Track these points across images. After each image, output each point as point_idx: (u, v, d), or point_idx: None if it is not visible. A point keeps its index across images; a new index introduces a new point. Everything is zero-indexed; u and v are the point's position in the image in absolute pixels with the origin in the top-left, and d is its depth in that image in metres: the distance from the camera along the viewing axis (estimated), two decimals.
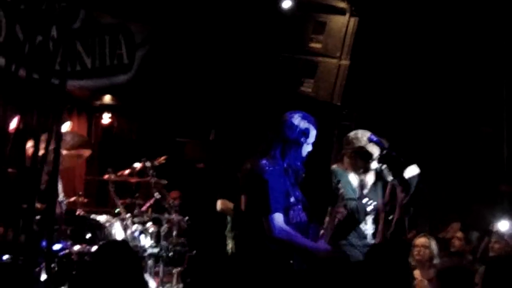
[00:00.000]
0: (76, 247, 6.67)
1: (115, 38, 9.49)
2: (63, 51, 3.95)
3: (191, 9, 9.38)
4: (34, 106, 3.78)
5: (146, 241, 7.29)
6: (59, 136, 3.85)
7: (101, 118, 10.69)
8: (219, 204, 7.09)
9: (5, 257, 3.82)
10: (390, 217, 5.71)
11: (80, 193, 7.71)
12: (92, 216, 7.23)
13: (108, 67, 9.46)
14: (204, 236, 8.36)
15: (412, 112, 9.54)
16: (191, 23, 9.54)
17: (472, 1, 8.88)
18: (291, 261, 4.71)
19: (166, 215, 7.69)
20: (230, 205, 7.00)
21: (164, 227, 7.54)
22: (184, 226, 7.89)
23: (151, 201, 8.00)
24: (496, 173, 9.62)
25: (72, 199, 7.48)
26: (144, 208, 7.88)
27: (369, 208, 5.61)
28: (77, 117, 10.30)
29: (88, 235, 6.90)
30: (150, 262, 7.28)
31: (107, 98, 10.33)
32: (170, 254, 7.53)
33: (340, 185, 5.63)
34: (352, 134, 5.77)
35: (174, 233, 7.68)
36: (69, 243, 6.69)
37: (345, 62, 9.15)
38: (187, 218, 7.88)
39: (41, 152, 3.80)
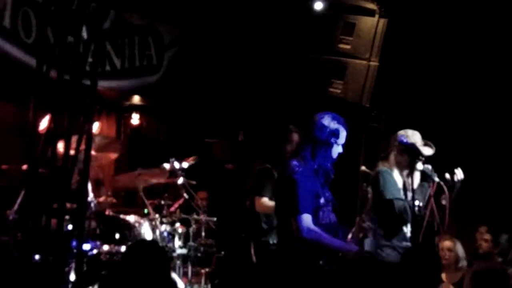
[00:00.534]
0: (106, 247, 6.68)
1: (144, 39, 9.55)
2: (94, 51, 3.96)
3: (220, 10, 9.41)
4: (65, 107, 3.79)
5: (174, 242, 7.30)
6: (90, 136, 3.86)
7: (130, 118, 10.71)
8: (262, 202, 6.46)
9: (37, 257, 3.83)
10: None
11: (109, 193, 7.73)
12: (121, 216, 7.24)
13: (137, 67, 9.52)
14: (233, 237, 8.35)
15: (442, 114, 9.45)
16: (220, 24, 9.57)
17: (504, 3, 8.78)
18: (321, 262, 4.70)
19: (195, 216, 7.70)
20: (271, 203, 6.56)
21: (193, 228, 7.55)
22: (212, 227, 7.89)
23: (180, 202, 8.01)
24: None
25: (101, 199, 7.51)
26: (172, 209, 7.88)
27: (416, 209, 5.48)
28: (106, 117, 10.32)
29: (118, 235, 6.90)
30: (178, 263, 7.29)
31: (136, 99, 10.36)
32: (199, 254, 7.53)
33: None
34: (402, 131, 5.72)
35: (203, 233, 7.68)
36: (98, 243, 6.71)
37: (374, 63, 9.18)
38: (215, 219, 7.88)
39: (71, 152, 3.81)
